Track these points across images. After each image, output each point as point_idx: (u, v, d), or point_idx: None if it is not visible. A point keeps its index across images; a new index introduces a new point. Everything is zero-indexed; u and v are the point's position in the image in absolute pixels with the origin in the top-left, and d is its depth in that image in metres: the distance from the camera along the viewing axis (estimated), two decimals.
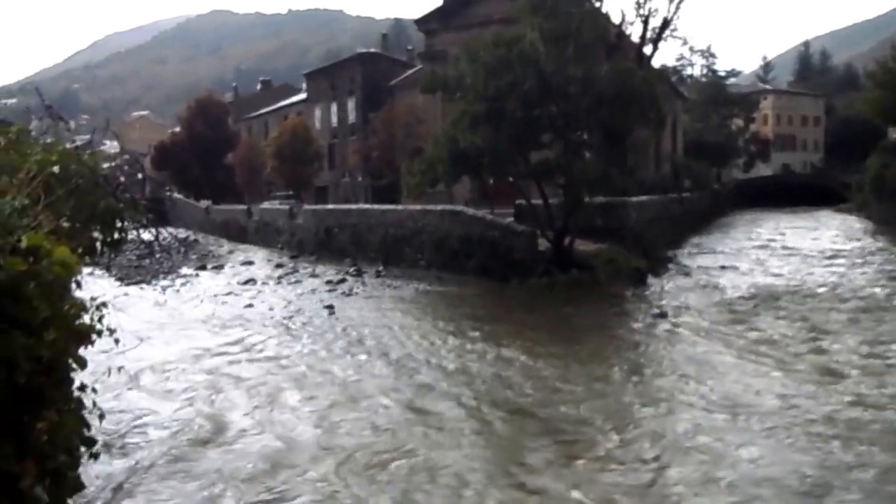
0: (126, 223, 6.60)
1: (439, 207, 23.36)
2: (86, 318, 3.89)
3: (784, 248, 27.38)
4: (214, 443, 8.24)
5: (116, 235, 6.48)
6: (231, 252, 32.91)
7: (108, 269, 20.45)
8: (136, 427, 8.76)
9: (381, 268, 23.20)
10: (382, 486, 7.00)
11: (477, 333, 13.75)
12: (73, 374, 3.83)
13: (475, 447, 8.05)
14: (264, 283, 22.27)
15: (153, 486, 7.03)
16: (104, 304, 4.12)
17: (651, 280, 19.30)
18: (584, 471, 7.27)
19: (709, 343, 12.79)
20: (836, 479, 6.80)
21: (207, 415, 9.26)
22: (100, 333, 4.00)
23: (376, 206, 28.36)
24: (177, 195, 54.47)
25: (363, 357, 12.32)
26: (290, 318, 16.22)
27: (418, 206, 23.90)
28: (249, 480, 7.13)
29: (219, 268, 27.16)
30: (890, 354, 11.48)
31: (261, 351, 13.08)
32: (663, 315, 15.06)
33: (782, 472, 6.99)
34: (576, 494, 6.69)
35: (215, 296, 19.87)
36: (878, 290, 17.40)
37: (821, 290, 17.66)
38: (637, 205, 23.39)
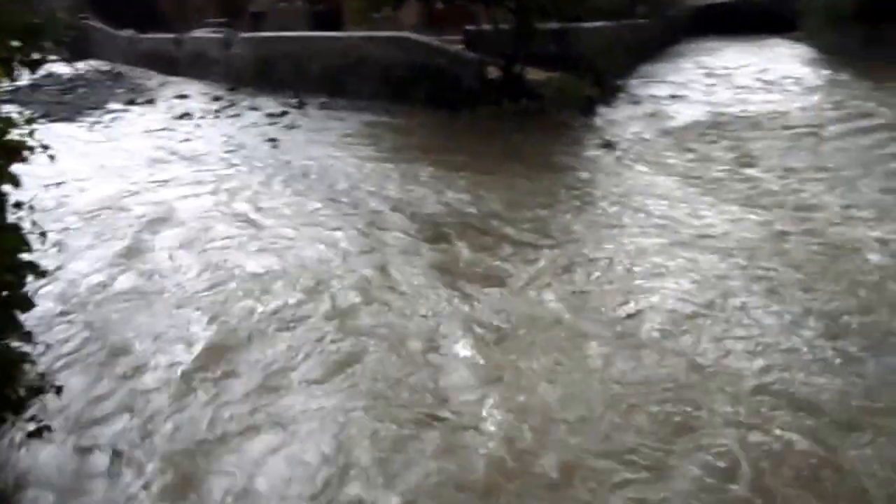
0: (46, 41, 6.16)
1: (384, 34, 22.39)
2: (15, 135, 3.74)
3: (734, 76, 27.43)
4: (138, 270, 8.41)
5: (35, 55, 6.07)
6: (162, 85, 31.31)
7: (25, 104, 19.38)
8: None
9: (325, 99, 22.53)
10: (320, 303, 7.32)
11: (425, 163, 13.76)
12: (9, 192, 3.73)
13: (417, 258, 8.41)
14: (201, 118, 21.48)
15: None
16: (33, 119, 3.94)
17: (601, 109, 19.30)
18: (528, 282, 7.71)
19: (654, 171, 13.11)
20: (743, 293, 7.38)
21: (133, 250, 9.30)
22: (32, 150, 3.87)
23: (318, 34, 27.01)
24: (95, 23, 50.64)
25: (307, 187, 12.28)
26: (232, 152, 15.87)
27: (362, 33, 22.86)
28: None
29: (150, 102, 25.95)
30: (821, 178, 12.00)
31: (200, 185, 12.88)
32: (612, 144, 15.24)
33: (706, 289, 7.53)
34: (513, 303, 7.13)
35: (149, 131, 19.17)
36: (820, 118, 17.82)
37: (768, 118, 17.97)
38: (590, 31, 22.83)
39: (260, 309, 7.35)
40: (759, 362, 6.03)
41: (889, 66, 28.22)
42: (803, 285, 7.59)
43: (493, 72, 19.39)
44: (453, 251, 8.99)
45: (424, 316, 7.12)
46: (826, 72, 28.69)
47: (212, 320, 7.11)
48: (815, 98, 21.46)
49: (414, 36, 21.91)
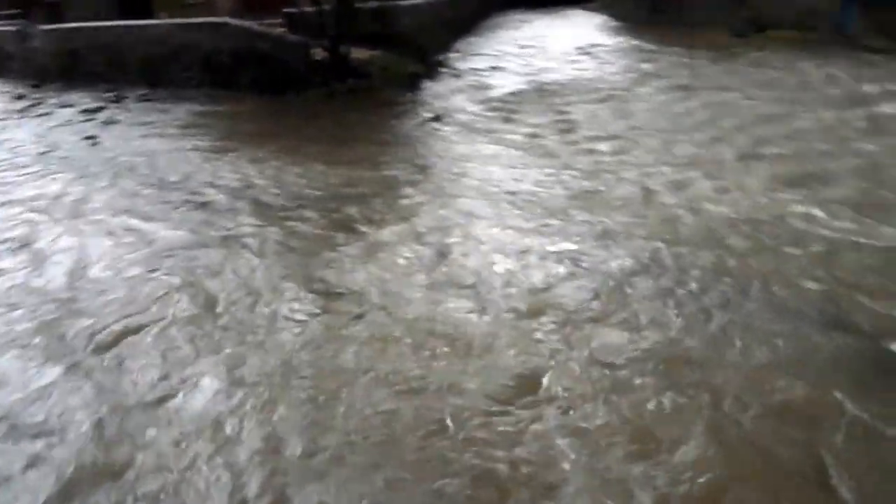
0: None
1: (203, 20, 21.47)
2: None
3: (545, 46, 29.00)
4: None
5: None
6: None
7: None
8: None
9: (145, 91, 21.29)
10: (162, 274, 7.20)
11: (258, 148, 13.56)
12: None
13: (265, 245, 8.42)
14: (3, 119, 19.60)
15: None
16: None
17: (426, 84, 19.80)
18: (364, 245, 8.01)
19: (479, 139, 13.79)
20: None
21: None
22: None
23: (132, 22, 25.28)
24: None
25: (137, 185, 11.74)
26: (46, 153, 14.70)
27: (179, 21, 21.77)
28: None
29: None
30: (631, 136, 13.24)
31: (12, 191, 11.90)
32: (438, 117, 15.77)
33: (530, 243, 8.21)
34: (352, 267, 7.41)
35: None
36: (627, 80, 19.42)
37: (581, 83, 19.30)
38: (409, 9, 23.20)
39: None
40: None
41: (671, 31, 31.08)
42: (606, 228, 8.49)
43: (318, 54, 19.27)
44: (299, 231, 9.08)
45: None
46: (625, 38, 31.07)
47: None
48: (621, 63, 23.29)
49: (234, 21, 21.19)
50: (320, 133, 15.09)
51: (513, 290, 7.06)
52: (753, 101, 15.39)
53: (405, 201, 9.99)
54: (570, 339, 6.06)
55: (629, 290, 6.88)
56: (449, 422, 5.05)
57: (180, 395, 5.54)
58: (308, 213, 9.63)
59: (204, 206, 10.31)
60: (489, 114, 16.14)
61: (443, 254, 7.99)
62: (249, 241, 8.73)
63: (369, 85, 18.33)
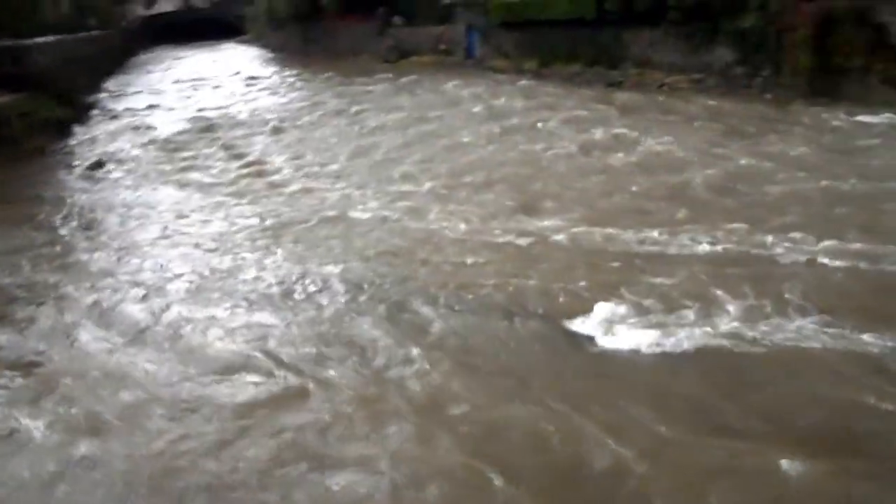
0: None
1: None
2: None
3: (203, 80, 27.94)
4: None
5: None
6: None
7: None
8: None
9: None
10: None
11: None
12: None
13: None
14: None
15: None
16: None
17: (78, 129, 17.70)
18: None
19: (151, 182, 12.71)
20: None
21: None
22: None
23: None
24: None
25: None
26: None
27: None
28: None
29: None
30: (301, 161, 13.31)
31: None
32: (100, 164, 14.17)
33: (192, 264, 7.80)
34: None
35: None
36: (289, 110, 19.52)
37: (244, 116, 18.88)
38: (46, 47, 20.50)
39: None
40: None
41: (325, 60, 32.22)
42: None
43: None
44: None
45: None
46: (283, 69, 31.35)
47: None
48: (283, 93, 23.37)
49: None
50: None
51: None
52: (415, 120, 16.49)
53: (78, 268, 8.65)
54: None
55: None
56: None
57: None
58: None
59: None
60: (157, 155, 14.93)
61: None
62: None
63: (10, 134, 15.61)
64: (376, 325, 6.41)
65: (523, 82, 21.76)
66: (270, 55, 39.30)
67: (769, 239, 7.57)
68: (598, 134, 13.69)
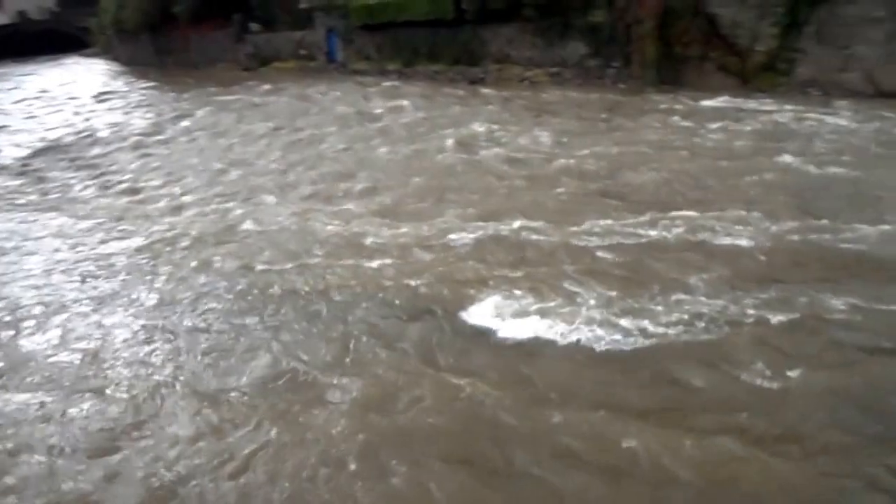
0: None
1: None
2: None
3: (50, 98, 25.83)
4: None
5: None
6: None
7: None
8: None
9: None
10: None
11: None
12: None
13: None
14: None
15: None
16: None
17: None
18: None
19: (8, 214, 11.57)
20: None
21: None
22: None
23: None
24: None
25: None
26: None
27: None
28: None
29: None
30: (171, 177, 12.60)
31: None
32: None
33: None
34: None
35: None
36: (150, 124, 18.41)
37: (102, 134, 17.62)
38: None
39: None
40: None
41: (181, 71, 30.73)
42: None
43: None
44: None
45: None
46: (136, 82, 29.54)
47: None
48: (140, 108, 22.01)
49: None
50: None
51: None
52: (285, 128, 16.04)
53: None
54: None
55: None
56: None
57: None
58: None
59: None
60: (12, 182, 13.60)
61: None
62: None
63: None
64: (276, 333, 6.18)
65: (388, 83, 21.74)
66: (121, 68, 36.89)
67: (645, 217, 7.98)
68: (470, 129, 13.91)
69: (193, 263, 8.18)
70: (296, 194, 10.74)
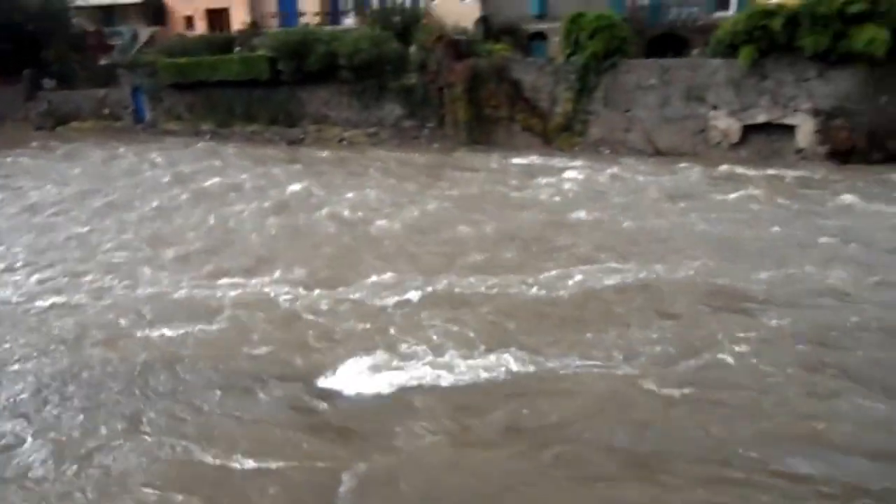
0: None
1: None
2: None
3: None
4: None
5: None
6: None
7: None
8: None
9: None
10: None
11: None
12: None
13: None
14: None
15: None
16: None
17: None
18: None
19: None
20: None
21: None
22: None
23: None
24: None
25: None
26: None
27: None
28: None
29: None
30: None
31: None
32: None
33: None
34: None
35: None
36: None
37: None
38: None
39: None
40: None
41: None
42: None
43: None
44: None
45: None
46: None
47: None
48: None
49: None
50: None
51: None
52: (93, 192, 14.49)
53: None
54: None
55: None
56: None
57: None
58: None
59: None
60: None
61: None
62: None
63: None
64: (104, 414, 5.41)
65: (202, 144, 20.81)
66: None
67: (471, 280, 8.12)
68: (291, 190, 13.60)
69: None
70: (118, 259, 9.77)
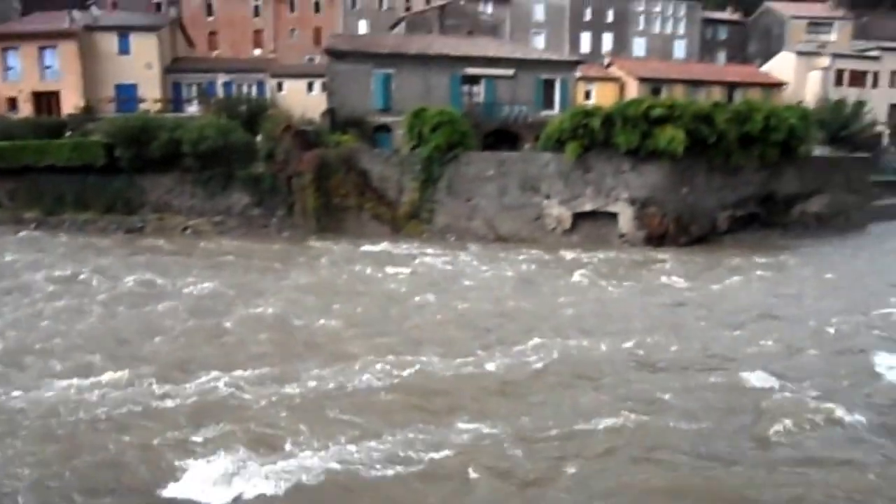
0: None
1: None
2: None
3: None
4: None
5: None
6: None
7: None
8: None
9: None
10: None
11: None
12: None
13: None
14: None
15: None
16: None
17: None
18: None
19: None
20: None
21: None
22: None
23: None
24: None
25: None
26: None
27: None
28: None
29: None
30: None
31: None
32: None
33: None
34: None
35: None
36: None
37: None
38: None
39: None
40: None
41: None
42: None
43: None
44: None
45: None
46: None
47: None
48: None
49: None
50: None
51: None
52: None
53: None
54: None
55: None
56: None
57: None
58: None
59: None
60: None
61: None
62: None
63: None
64: None
65: (25, 233, 18.95)
66: None
67: (325, 372, 7.92)
68: (128, 283, 12.66)
69: None
70: None
